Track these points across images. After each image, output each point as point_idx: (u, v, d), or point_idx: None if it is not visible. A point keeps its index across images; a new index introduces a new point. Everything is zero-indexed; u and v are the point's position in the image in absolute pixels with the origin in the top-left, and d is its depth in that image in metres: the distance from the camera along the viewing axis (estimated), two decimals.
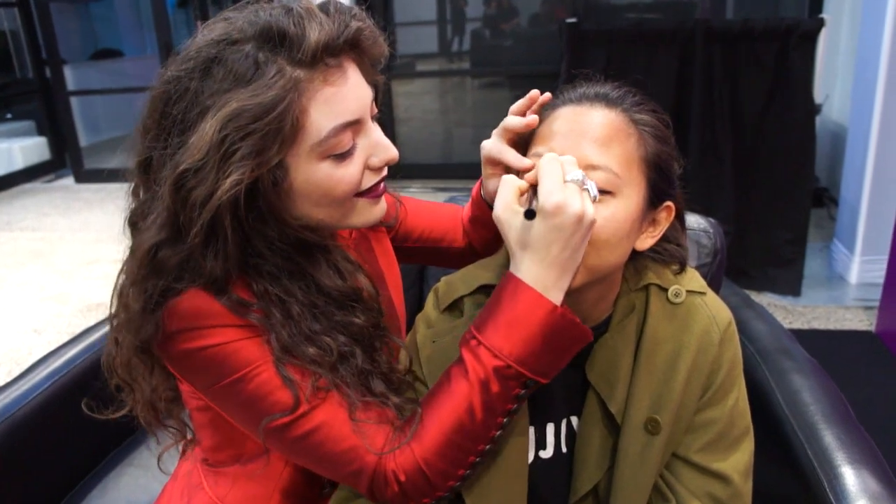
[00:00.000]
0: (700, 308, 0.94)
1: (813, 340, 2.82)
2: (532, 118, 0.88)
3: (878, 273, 3.11)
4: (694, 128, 3.11)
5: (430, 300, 1.04)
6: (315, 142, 0.79)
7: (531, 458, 0.96)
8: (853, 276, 3.27)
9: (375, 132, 0.86)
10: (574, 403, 0.97)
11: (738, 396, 0.94)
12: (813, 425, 1.10)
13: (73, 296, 3.81)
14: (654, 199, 0.87)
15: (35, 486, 1.32)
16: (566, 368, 0.92)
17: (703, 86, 3.10)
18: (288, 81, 0.76)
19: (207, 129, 0.74)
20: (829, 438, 1.06)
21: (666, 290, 0.95)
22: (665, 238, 0.96)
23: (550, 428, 0.98)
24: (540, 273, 0.78)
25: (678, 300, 0.94)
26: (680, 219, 1.00)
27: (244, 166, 0.74)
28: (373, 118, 0.88)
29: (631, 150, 0.84)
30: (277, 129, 0.75)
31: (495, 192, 0.87)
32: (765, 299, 3.19)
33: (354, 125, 0.82)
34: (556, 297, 0.79)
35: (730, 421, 0.92)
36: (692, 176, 3.16)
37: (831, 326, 2.92)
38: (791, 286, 3.20)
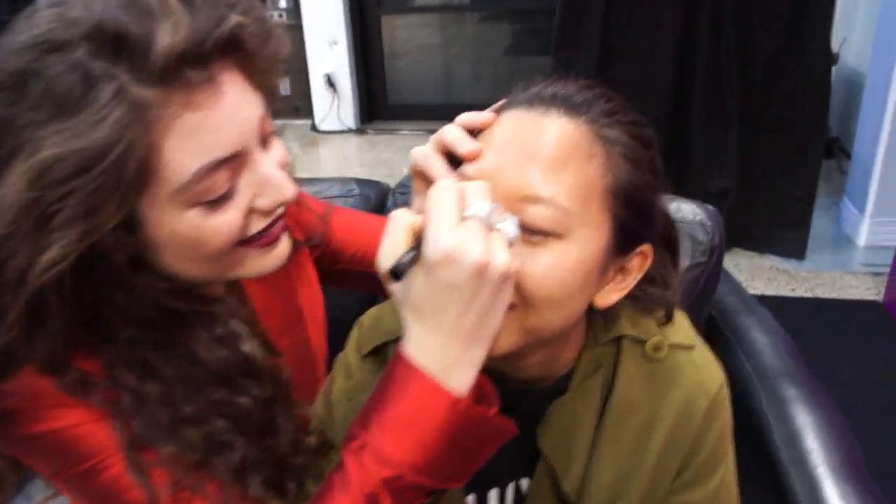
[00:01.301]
0: (685, 367, 0.76)
1: (817, 310, 2.66)
2: (474, 147, 0.66)
3: (890, 236, 2.92)
4: (699, 79, 2.86)
5: (352, 338, 0.86)
6: (174, 188, 0.60)
7: None
8: (862, 238, 3.07)
9: (264, 165, 0.66)
10: (524, 465, 0.80)
11: (725, 475, 0.78)
12: (815, 478, 0.93)
13: None
14: (622, 242, 0.68)
15: None
16: (516, 420, 0.76)
17: (711, 34, 2.83)
18: (129, 110, 0.55)
19: (11, 186, 0.55)
20: (835, 500, 0.90)
21: (643, 342, 0.77)
22: (648, 278, 0.77)
23: (493, 494, 0.82)
24: (436, 347, 0.59)
25: (658, 356, 0.76)
26: (672, 251, 0.81)
27: (68, 235, 0.55)
28: (266, 139, 0.68)
29: (592, 178, 0.64)
30: (116, 182, 0.56)
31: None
32: (767, 262, 3.01)
33: (232, 161, 0.63)
34: (462, 379, 0.60)
35: None
36: (696, 129, 2.94)
37: (836, 295, 2.75)
38: (796, 248, 3.00)
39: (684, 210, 1.27)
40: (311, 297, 0.95)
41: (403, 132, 4.88)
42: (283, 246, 0.73)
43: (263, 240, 0.69)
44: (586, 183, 0.63)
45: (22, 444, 0.66)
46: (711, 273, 1.24)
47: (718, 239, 1.24)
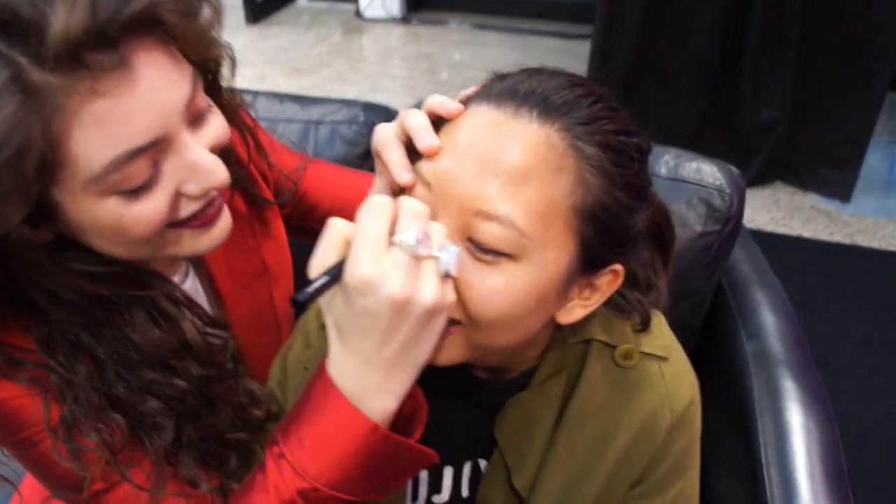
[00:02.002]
0: (654, 380, 0.71)
1: (853, 259, 2.54)
2: (432, 143, 0.59)
3: None
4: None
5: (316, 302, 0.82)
6: (87, 179, 0.55)
7: (422, 501, 0.79)
8: None
9: (191, 150, 0.60)
10: (483, 447, 0.78)
11: (684, 486, 0.74)
12: (793, 483, 0.89)
13: None
14: (589, 263, 0.61)
15: None
16: (474, 409, 0.74)
17: None
18: (24, 101, 0.49)
19: None
20: None
21: (613, 348, 0.72)
22: (631, 279, 0.71)
23: (448, 472, 0.80)
24: (355, 371, 0.56)
25: (628, 363, 0.71)
26: (664, 251, 0.74)
27: None
28: (198, 116, 0.62)
29: (556, 196, 0.57)
30: (15, 179, 0.51)
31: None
32: (808, 201, 2.86)
33: (151, 149, 0.57)
34: (381, 405, 0.57)
35: None
36: (750, 51, 2.74)
37: (876, 245, 2.61)
38: (841, 190, 2.85)
39: (704, 172, 1.17)
40: (278, 255, 0.90)
41: (451, 25, 4.66)
42: (223, 224, 0.68)
43: (197, 221, 0.65)
44: (549, 201, 0.56)
45: None
46: (724, 242, 1.16)
47: (736, 208, 1.15)
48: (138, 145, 0.56)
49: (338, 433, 0.57)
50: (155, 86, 0.56)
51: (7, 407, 0.64)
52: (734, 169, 1.20)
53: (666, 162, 1.20)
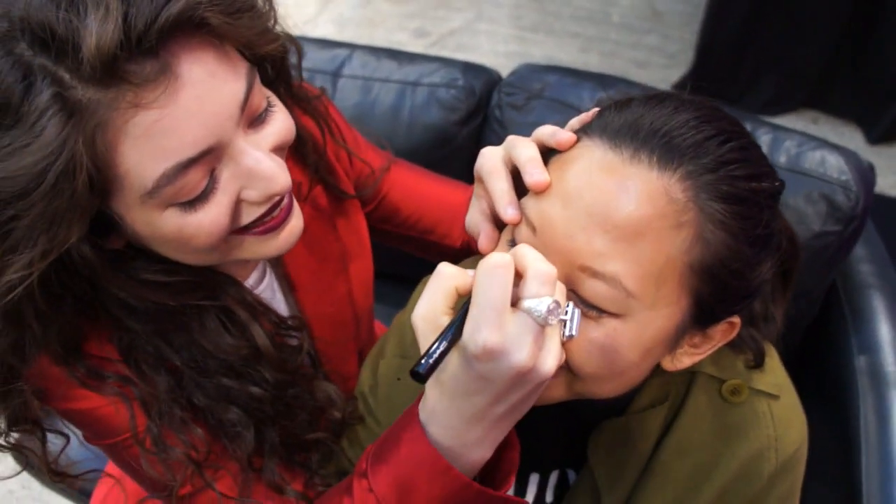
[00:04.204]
0: (762, 419, 0.68)
1: None
2: (541, 179, 0.55)
3: None
4: None
5: (413, 302, 0.81)
6: (141, 193, 0.54)
7: None
8: None
9: (248, 156, 0.58)
10: (572, 456, 0.77)
11: None
12: None
13: None
14: (703, 318, 0.57)
15: None
16: (566, 419, 0.72)
17: None
18: (67, 119, 0.48)
19: None
20: None
21: (721, 381, 0.68)
22: (747, 314, 0.66)
23: (534, 478, 0.79)
24: (458, 428, 0.54)
25: (735, 399, 0.68)
26: (786, 279, 0.69)
27: (26, 255, 0.51)
28: (257, 116, 0.59)
29: (672, 253, 0.52)
30: (66, 200, 0.50)
31: (475, 230, 0.62)
32: None
33: (204, 158, 0.55)
34: (479, 456, 0.56)
35: None
36: None
37: None
38: None
39: (829, 164, 1.07)
40: (359, 247, 0.88)
41: None
42: (292, 227, 0.65)
43: (262, 227, 0.63)
44: (663, 260, 0.51)
45: (58, 413, 0.68)
46: (844, 244, 1.07)
47: (862, 207, 1.05)
48: (189, 156, 0.54)
49: (429, 486, 0.56)
50: (202, 93, 0.53)
51: (97, 414, 0.66)
52: (866, 163, 1.09)
53: (786, 149, 1.10)
